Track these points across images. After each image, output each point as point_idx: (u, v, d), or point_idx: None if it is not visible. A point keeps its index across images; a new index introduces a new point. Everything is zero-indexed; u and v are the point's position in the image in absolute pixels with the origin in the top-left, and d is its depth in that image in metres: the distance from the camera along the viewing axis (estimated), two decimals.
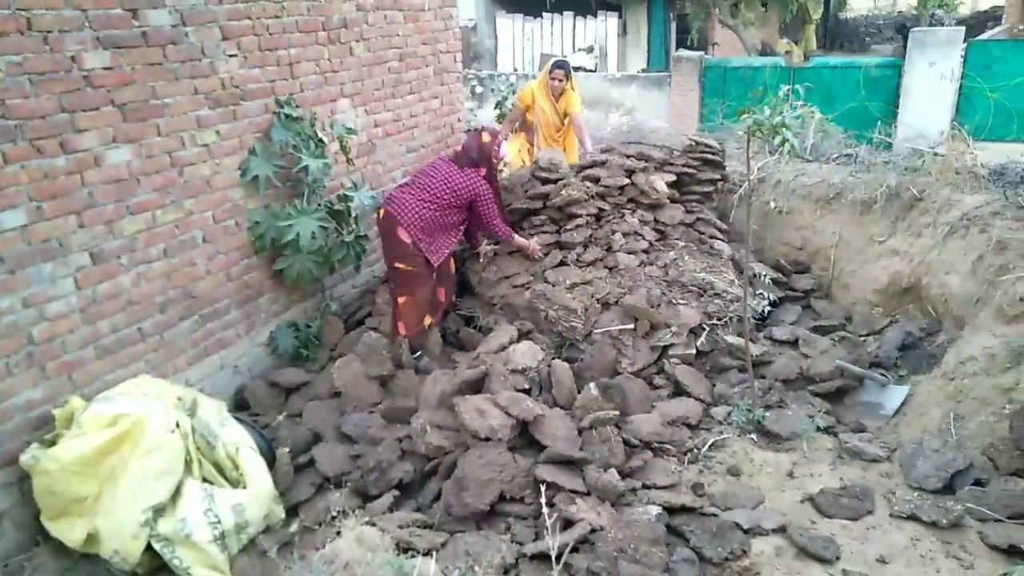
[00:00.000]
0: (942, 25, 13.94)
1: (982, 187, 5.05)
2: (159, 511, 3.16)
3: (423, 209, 4.62)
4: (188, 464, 3.33)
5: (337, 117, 4.97)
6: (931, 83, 9.74)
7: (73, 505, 3.17)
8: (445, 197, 4.68)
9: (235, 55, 4.15)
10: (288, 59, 4.53)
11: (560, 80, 6.19)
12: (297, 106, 4.56)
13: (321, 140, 4.64)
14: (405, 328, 4.71)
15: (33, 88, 3.19)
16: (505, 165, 5.95)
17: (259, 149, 4.34)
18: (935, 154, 5.67)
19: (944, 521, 3.20)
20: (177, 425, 3.34)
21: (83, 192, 3.45)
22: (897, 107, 9.97)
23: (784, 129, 3.38)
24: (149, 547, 3.14)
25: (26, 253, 3.25)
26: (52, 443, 3.22)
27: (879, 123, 7.16)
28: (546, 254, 5.07)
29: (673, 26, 16.19)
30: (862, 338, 4.85)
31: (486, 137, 4.85)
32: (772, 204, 5.78)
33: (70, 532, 3.18)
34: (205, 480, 3.38)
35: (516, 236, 5.01)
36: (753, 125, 3.45)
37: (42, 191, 3.28)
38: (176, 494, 3.23)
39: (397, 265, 4.68)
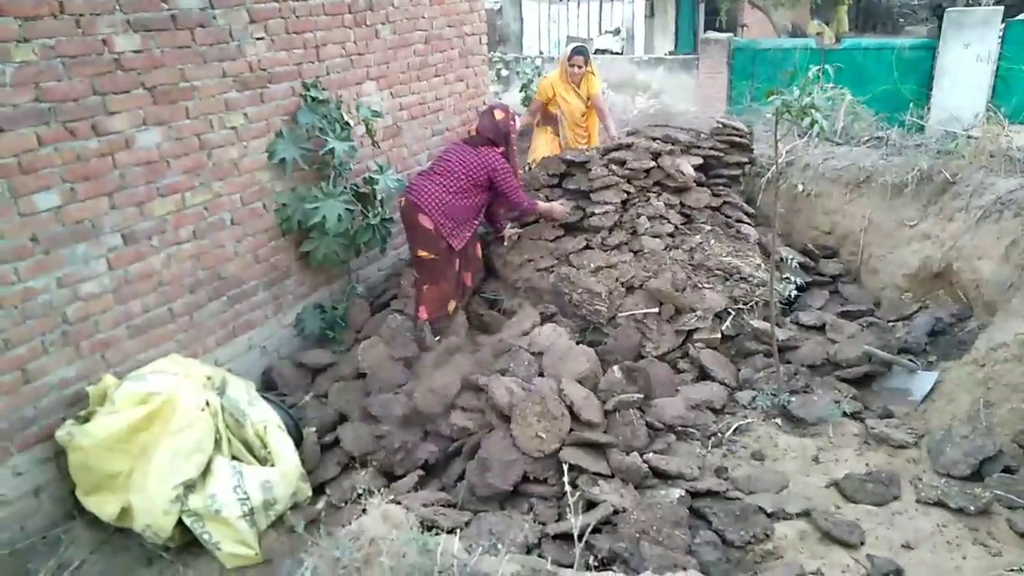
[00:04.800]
0: (979, 5, 13.58)
1: (1017, 171, 4.94)
2: (190, 487, 3.22)
3: (443, 194, 4.63)
4: (218, 442, 3.39)
5: (363, 100, 4.99)
6: (967, 64, 9.53)
7: (107, 480, 3.25)
8: (463, 179, 4.67)
9: (262, 38, 4.18)
10: (314, 42, 4.55)
11: (580, 67, 6.12)
12: (323, 89, 4.59)
13: (347, 123, 4.67)
14: (427, 312, 4.73)
15: (66, 71, 3.24)
16: (532, 162, 5.96)
17: (286, 132, 4.37)
18: (969, 137, 5.56)
19: (972, 508, 3.18)
20: (207, 404, 3.39)
21: (115, 174, 3.51)
22: (931, 89, 9.77)
23: (813, 110, 3.33)
24: (180, 522, 3.21)
25: (60, 234, 3.31)
26: (86, 420, 3.30)
27: (912, 105, 7.02)
28: (571, 214, 5.14)
29: (701, 7, 15.98)
30: (891, 323, 4.79)
31: (499, 114, 4.81)
32: (800, 188, 5.71)
33: (104, 507, 3.27)
34: (234, 458, 3.44)
35: (538, 203, 5.06)
36: (781, 106, 3.41)
37: (75, 173, 3.33)
38: (206, 471, 3.30)
39: (420, 254, 4.70)
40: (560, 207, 5.10)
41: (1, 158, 3.05)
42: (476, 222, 4.89)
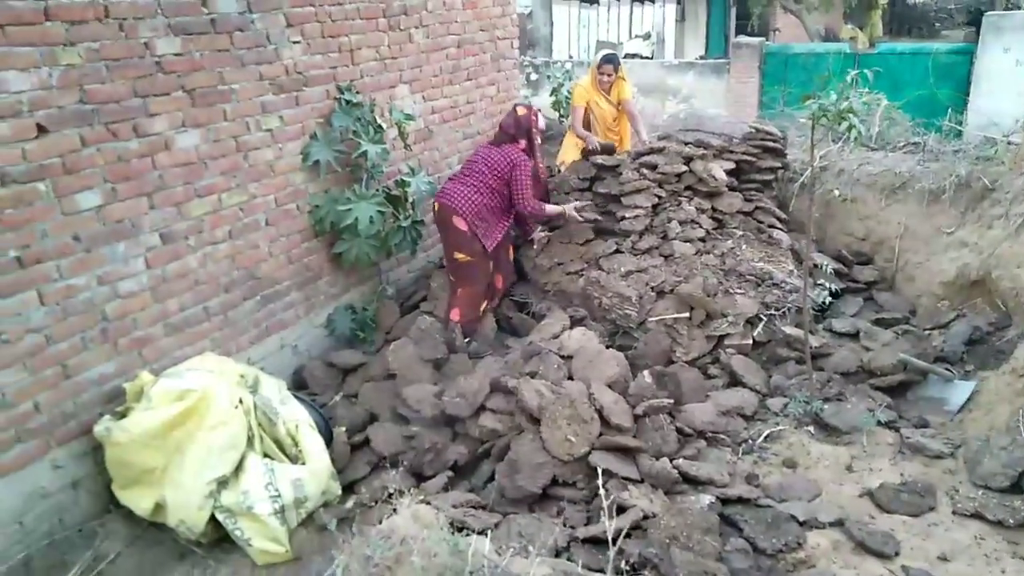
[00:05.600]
0: (1019, 8, 13.32)
1: None
2: (223, 484, 3.27)
3: (473, 194, 4.68)
4: (250, 439, 3.43)
5: (396, 103, 5.03)
6: (1006, 69, 9.34)
7: (142, 475, 3.30)
8: (489, 176, 4.74)
9: (299, 41, 4.23)
10: (349, 45, 4.60)
11: (609, 75, 6.12)
12: (357, 92, 4.63)
13: (380, 126, 4.71)
14: (459, 315, 4.76)
15: (109, 73, 3.31)
16: (561, 164, 5.94)
17: (320, 134, 4.42)
18: (1009, 143, 5.45)
19: (1011, 520, 3.11)
20: (240, 401, 3.44)
21: (154, 175, 3.57)
22: (968, 95, 9.59)
23: (851, 115, 3.29)
24: (213, 518, 3.25)
25: (101, 233, 3.38)
26: (123, 416, 3.36)
27: (949, 111, 6.91)
28: (589, 221, 5.07)
29: (733, 12, 15.87)
30: (927, 332, 4.71)
31: (521, 111, 4.88)
32: (836, 193, 5.64)
33: (139, 501, 3.32)
34: (266, 455, 3.48)
35: (547, 206, 4.95)
36: (818, 111, 3.37)
37: (116, 173, 3.40)
38: (239, 468, 3.34)
39: (456, 256, 4.74)
40: (571, 209, 4.96)
41: (46, 158, 3.13)
42: (507, 223, 4.92)
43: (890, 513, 3.28)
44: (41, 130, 3.10)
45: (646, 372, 3.97)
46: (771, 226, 5.32)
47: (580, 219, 5.03)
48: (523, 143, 4.86)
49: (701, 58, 14.37)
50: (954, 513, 3.25)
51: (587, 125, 6.45)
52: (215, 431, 3.28)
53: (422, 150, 5.42)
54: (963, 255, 4.90)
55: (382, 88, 4.93)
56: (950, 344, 4.44)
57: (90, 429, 3.35)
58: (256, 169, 4.11)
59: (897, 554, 3.02)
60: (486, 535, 2.71)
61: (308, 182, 4.47)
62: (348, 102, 4.54)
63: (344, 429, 3.96)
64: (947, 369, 4.22)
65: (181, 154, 3.68)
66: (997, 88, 9.36)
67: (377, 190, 4.71)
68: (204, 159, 3.80)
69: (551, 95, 8.60)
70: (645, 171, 5.15)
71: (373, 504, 3.47)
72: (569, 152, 6.39)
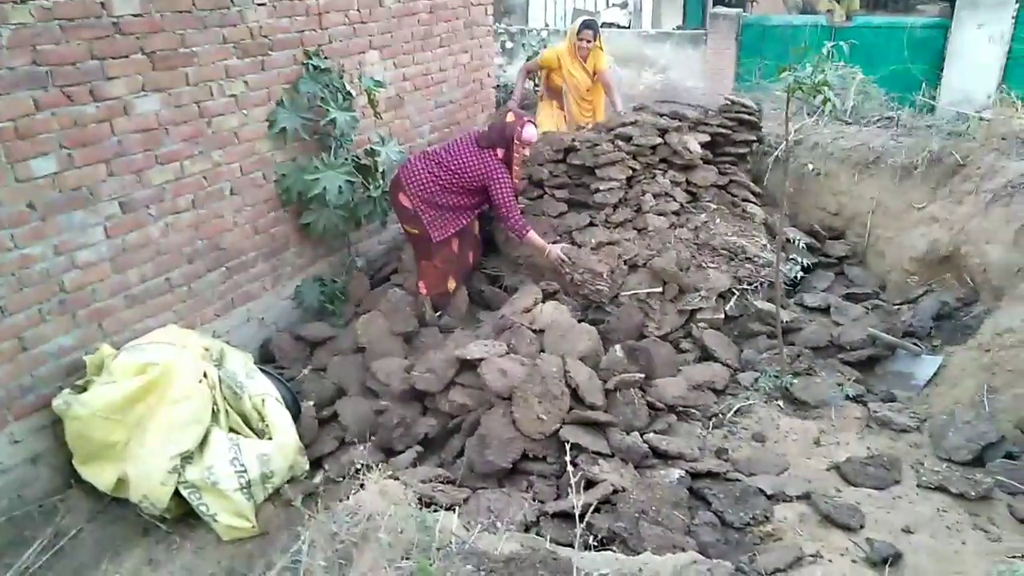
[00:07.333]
0: None
1: None
2: (187, 459, 3.21)
3: (431, 183, 4.54)
4: (215, 414, 3.37)
5: (365, 70, 4.91)
6: (979, 45, 9.36)
7: (103, 450, 3.23)
8: (455, 178, 4.54)
9: (264, 4, 4.09)
10: (317, 9, 4.46)
11: (589, 41, 6.02)
12: (325, 58, 4.51)
13: (349, 93, 4.60)
14: (426, 288, 4.71)
15: (64, 34, 3.17)
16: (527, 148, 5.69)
17: (287, 101, 4.30)
18: (981, 119, 5.47)
19: (973, 493, 3.15)
20: (204, 375, 3.37)
21: (113, 141, 3.45)
22: (942, 70, 9.63)
23: (825, 87, 3.26)
24: (177, 493, 3.20)
25: (57, 200, 3.27)
26: (83, 389, 3.28)
27: (923, 86, 6.92)
28: (565, 272, 4.68)
29: None
30: (896, 307, 4.75)
31: (510, 117, 4.63)
32: (810, 167, 5.63)
33: (101, 476, 3.26)
34: (232, 430, 3.42)
35: (532, 233, 4.63)
36: (794, 83, 3.33)
37: (72, 139, 3.28)
38: (203, 443, 3.28)
39: (405, 228, 4.70)
40: (559, 253, 4.62)
41: None
42: (464, 220, 4.73)
43: (856, 486, 3.31)
44: None
45: (618, 346, 3.96)
46: (745, 200, 5.31)
47: (560, 266, 4.64)
48: (501, 152, 4.57)
49: (678, 28, 14.24)
50: (918, 486, 3.28)
51: (557, 92, 6.37)
52: (178, 405, 3.22)
53: (393, 118, 5.31)
54: (933, 230, 4.93)
55: (351, 54, 4.80)
56: (918, 319, 4.48)
57: (49, 403, 3.27)
58: (220, 136, 3.99)
59: (862, 527, 3.05)
60: (454, 510, 2.69)
61: (274, 150, 4.35)
62: (316, 68, 4.42)
63: (312, 403, 3.91)
64: (915, 344, 4.26)
65: (141, 119, 3.56)
66: (970, 64, 9.39)
67: (346, 159, 4.61)
68: (165, 125, 3.68)
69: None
70: (620, 143, 5.09)
71: (340, 480, 3.44)
72: (545, 124, 6.31)
